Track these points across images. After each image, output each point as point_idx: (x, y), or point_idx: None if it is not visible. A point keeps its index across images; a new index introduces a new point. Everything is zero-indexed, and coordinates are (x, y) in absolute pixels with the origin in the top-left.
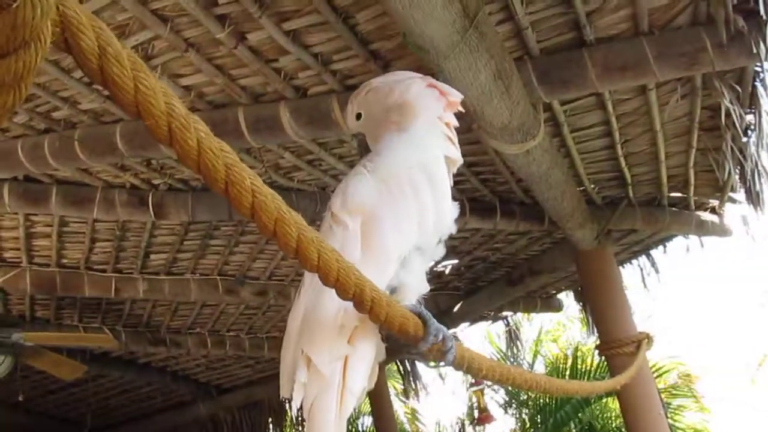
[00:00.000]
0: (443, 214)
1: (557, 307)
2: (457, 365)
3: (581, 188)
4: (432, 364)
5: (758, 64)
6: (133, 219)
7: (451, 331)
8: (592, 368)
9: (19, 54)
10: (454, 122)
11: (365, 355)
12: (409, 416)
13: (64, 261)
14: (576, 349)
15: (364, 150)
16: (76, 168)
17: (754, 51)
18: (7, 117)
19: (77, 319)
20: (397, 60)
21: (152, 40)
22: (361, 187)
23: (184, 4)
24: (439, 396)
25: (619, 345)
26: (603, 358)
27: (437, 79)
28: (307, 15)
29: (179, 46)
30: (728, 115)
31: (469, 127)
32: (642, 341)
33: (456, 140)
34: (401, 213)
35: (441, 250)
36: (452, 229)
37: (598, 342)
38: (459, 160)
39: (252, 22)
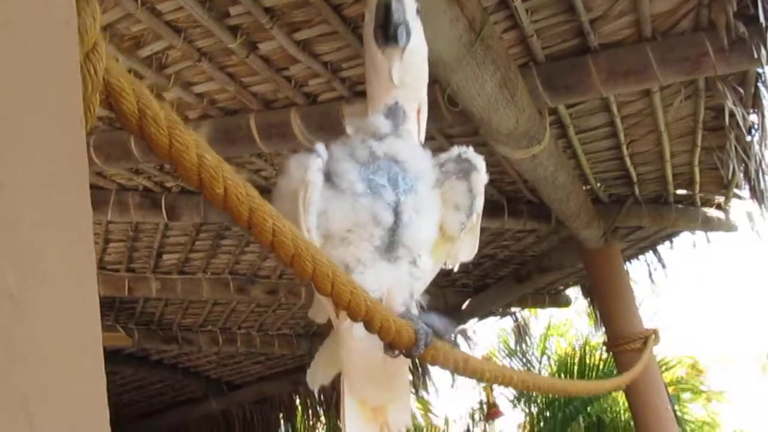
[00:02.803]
0: None
1: (565, 303)
2: (453, 370)
3: (587, 187)
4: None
5: (760, 68)
6: (146, 220)
7: (460, 327)
8: (600, 363)
9: None
10: None
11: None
12: (422, 410)
13: None
14: (584, 344)
15: None
16: (92, 172)
17: (756, 56)
18: None
19: None
20: None
21: (166, 50)
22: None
23: (196, 15)
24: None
25: (626, 341)
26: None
27: (444, 92)
28: (318, 25)
29: (192, 55)
30: (732, 115)
31: (475, 131)
32: (649, 337)
33: None
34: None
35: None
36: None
37: (605, 338)
38: None
39: (263, 32)
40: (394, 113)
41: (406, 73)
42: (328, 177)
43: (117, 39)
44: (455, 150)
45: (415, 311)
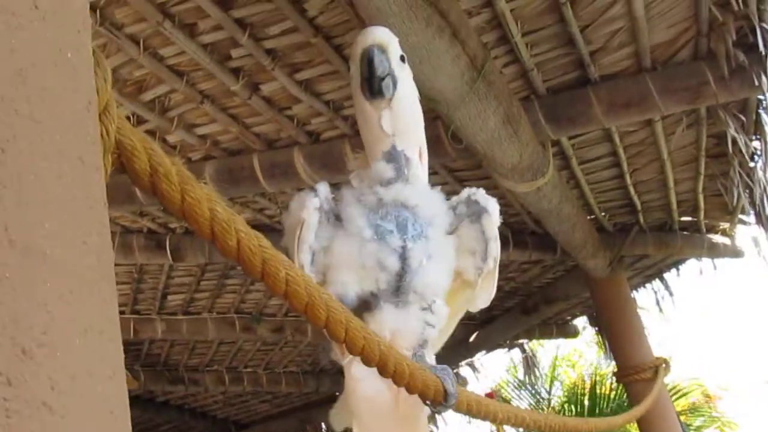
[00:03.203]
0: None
1: (573, 333)
2: (467, 413)
3: (592, 217)
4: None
5: (761, 95)
6: (151, 262)
7: (467, 360)
8: (611, 393)
9: None
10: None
11: None
12: None
13: None
14: (594, 374)
15: None
16: None
17: (756, 83)
18: None
19: None
20: None
21: (169, 93)
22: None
23: (198, 59)
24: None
25: (636, 371)
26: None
27: (448, 128)
28: (319, 65)
29: (195, 98)
30: (734, 142)
31: (478, 165)
32: (659, 366)
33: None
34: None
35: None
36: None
37: (615, 369)
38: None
39: (265, 73)
40: (394, 158)
41: (398, 121)
42: (338, 217)
43: (120, 84)
44: (465, 192)
45: (430, 360)
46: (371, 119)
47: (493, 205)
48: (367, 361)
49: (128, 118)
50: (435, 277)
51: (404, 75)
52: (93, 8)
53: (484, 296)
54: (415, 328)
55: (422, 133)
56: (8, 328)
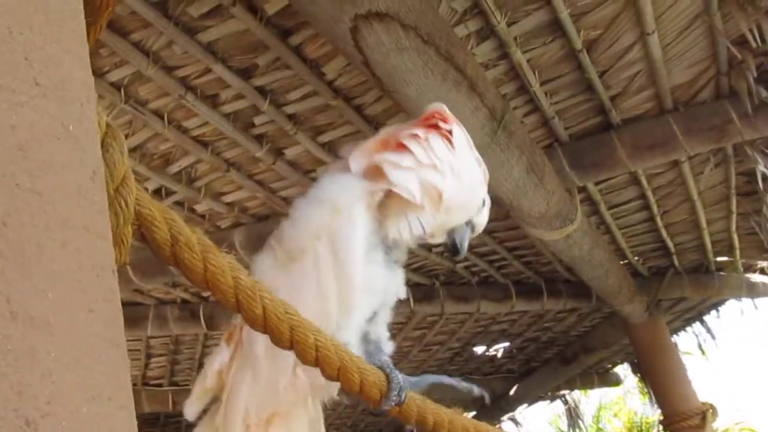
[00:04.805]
0: (352, 291)
1: (615, 382)
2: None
3: (625, 261)
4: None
5: None
6: (185, 332)
7: (508, 414)
8: None
9: None
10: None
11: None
12: None
13: None
14: (640, 423)
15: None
16: (130, 289)
17: None
18: None
19: None
20: None
21: (195, 164)
22: (262, 267)
23: (222, 128)
24: None
25: (683, 418)
26: None
27: None
28: (340, 127)
29: (220, 166)
30: (764, 179)
31: (506, 215)
32: (706, 412)
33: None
34: (303, 297)
35: (384, 317)
36: (393, 295)
37: (661, 416)
38: (398, 188)
39: (288, 138)
40: None
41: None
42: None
43: (147, 158)
44: None
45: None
46: None
47: None
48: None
49: (157, 191)
50: None
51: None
52: (117, 86)
53: None
54: None
55: None
56: (12, 400)
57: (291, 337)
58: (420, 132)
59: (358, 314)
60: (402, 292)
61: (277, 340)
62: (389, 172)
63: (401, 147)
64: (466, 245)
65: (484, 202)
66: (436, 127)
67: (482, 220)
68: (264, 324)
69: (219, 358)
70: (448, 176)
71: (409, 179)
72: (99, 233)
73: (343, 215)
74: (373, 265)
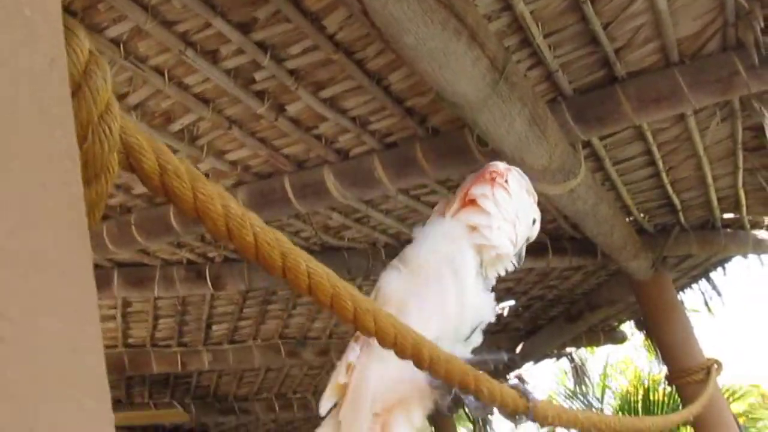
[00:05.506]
0: (466, 303)
1: (621, 339)
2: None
3: (631, 218)
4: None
5: None
6: (192, 293)
7: (515, 371)
8: (665, 398)
9: (91, 186)
10: (492, 206)
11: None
12: None
13: (131, 341)
14: (646, 380)
15: None
16: (135, 250)
17: None
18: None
19: (147, 395)
20: (434, 114)
21: (196, 122)
22: (389, 280)
23: (223, 85)
24: None
25: (688, 374)
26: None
27: (473, 132)
28: (342, 81)
29: (222, 124)
30: None
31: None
32: (711, 367)
33: (497, 224)
34: (427, 302)
35: (478, 338)
36: (488, 317)
37: (666, 372)
38: (494, 245)
39: (289, 94)
40: None
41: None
42: None
43: (148, 116)
44: None
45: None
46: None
47: None
48: (400, 352)
49: None
50: None
51: None
52: (116, 42)
53: None
54: None
55: None
56: None
57: (283, 264)
58: (488, 192)
59: (466, 326)
60: (493, 316)
61: (269, 268)
62: (486, 235)
63: (473, 203)
64: (524, 255)
65: (534, 220)
66: (493, 180)
67: (535, 233)
68: (255, 252)
69: (350, 356)
70: (517, 223)
71: (502, 238)
72: (59, 122)
73: (456, 244)
74: (477, 287)
